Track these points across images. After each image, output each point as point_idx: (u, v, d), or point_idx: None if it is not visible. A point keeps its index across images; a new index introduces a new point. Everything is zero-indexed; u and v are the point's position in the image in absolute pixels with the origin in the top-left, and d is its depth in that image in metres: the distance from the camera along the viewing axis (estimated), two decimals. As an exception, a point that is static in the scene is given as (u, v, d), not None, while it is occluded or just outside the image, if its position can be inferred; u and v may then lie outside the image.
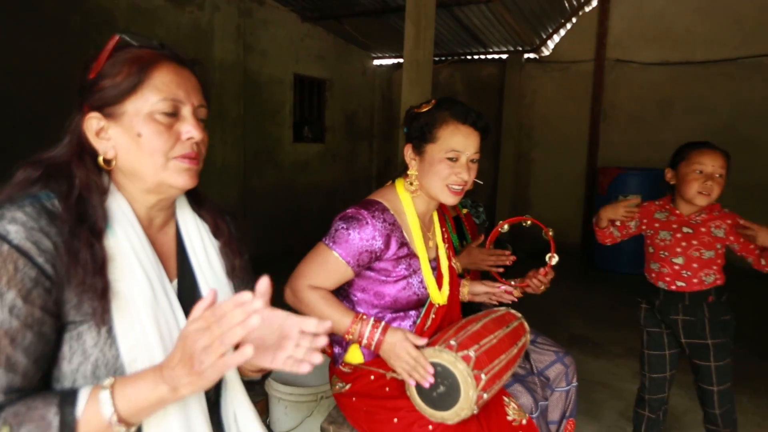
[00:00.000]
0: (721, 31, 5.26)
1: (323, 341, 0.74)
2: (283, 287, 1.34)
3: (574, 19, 5.90)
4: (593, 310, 4.08)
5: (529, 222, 1.67)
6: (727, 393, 1.84)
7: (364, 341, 1.28)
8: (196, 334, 0.67)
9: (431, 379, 1.17)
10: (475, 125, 1.36)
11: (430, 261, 1.42)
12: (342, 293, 1.42)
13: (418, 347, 1.23)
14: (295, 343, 0.73)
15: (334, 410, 1.46)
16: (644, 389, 1.98)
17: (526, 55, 6.25)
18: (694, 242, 1.81)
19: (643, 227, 1.92)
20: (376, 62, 7.18)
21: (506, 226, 1.73)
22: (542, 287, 1.62)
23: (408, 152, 1.40)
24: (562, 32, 5.99)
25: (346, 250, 1.30)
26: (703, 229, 1.81)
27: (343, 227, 1.31)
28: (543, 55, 6.21)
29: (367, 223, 1.30)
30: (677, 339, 1.91)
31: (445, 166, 1.35)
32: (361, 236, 1.30)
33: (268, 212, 5.43)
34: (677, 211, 1.86)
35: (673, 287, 1.84)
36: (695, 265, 1.81)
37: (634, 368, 3.00)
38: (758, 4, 5.09)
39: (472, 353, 1.17)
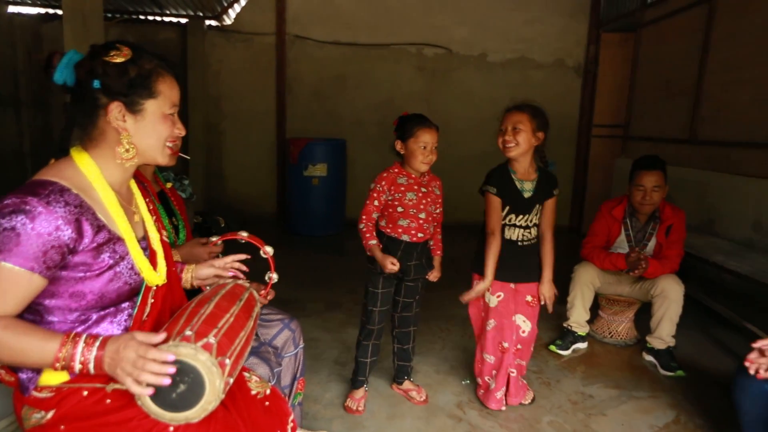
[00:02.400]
0: (378, 19, 6.12)
1: None
2: None
3: (253, -10, 5.91)
4: (295, 273, 4.33)
5: (245, 239, 1.61)
6: (419, 300, 2.37)
7: (77, 366, 1.02)
8: None
9: (172, 370, 0.99)
10: (176, 76, 1.23)
11: (139, 241, 1.21)
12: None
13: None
14: None
15: (30, 450, 1.13)
16: (373, 322, 2.29)
17: (207, 22, 5.96)
18: (429, 199, 2.22)
19: (392, 192, 2.20)
20: (13, 9, 5.70)
21: (220, 243, 1.66)
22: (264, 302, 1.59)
23: (117, 112, 1.14)
24: (243, 2, 5.93)
25: (22, 255, 1.00)
26: (430, 188, 2.24)
27: (5, 227, 1.00)
28: (225, 23, 6.04)
29: (39, 212, 1.01)
30: (400, 279, 2.28)
31: (169, 124, 1.20)
32: (38, 231, 1.01)
33: None
34: (413, 176, 2.21)
35: (415, 239, 2.21)
36: (430, 218, 2.23)
37: (339, 319, 3.34)
38: (401, -1, 6.11)
39: (212, 339, 1.06)
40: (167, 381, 0.99)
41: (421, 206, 2.19)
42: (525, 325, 2.31)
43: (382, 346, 2.43)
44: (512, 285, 2.28)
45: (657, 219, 2.92)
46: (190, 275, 1.48)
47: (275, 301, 3.67)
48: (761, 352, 1.64)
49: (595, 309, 3.18)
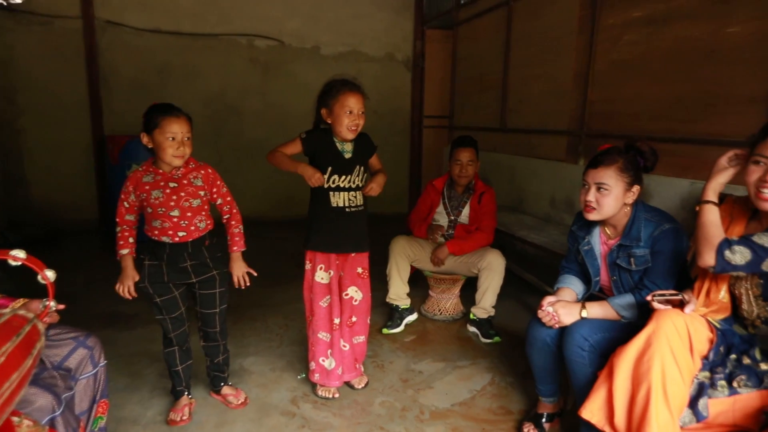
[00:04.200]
0: (202, 7, 5.75)
1: None
2: None
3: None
4: (122, 284, 3.91)
5: (20, 261, 1.35)
6: (223, 312, 2.22)
7: None
8: None
9: None
10: None
11: None
12: None
13: None
14: None
15: None
16: (167, 331, 2.15)
17: (-11, 0, 5.07)
18: (182, 194, 2.04)
19: (137, 193, 2.03)
20: None
21: None
22: None
23: None
24: (36, -21, 5.16)
25: None
26: (185, 181, 2.05)
27: None
28: (14, 2, 5.19)
29: None
30: (185, 281, 2.11)
31: None
32: None
33: None
34: (160, 171, 2.02)
35: (177, 239, 2.05)
36: (189, 214, 2.05)
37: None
38: (227, -13, 5.83)
39: None
40: None
41: (171, 203, 2.01)
42: (357, 294, 2.36)
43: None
44: (342, 257, 2.31)
45: (471, 190, 3.30)
46: None
47: (91, 317, 3.28)
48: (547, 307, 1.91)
49: (425, 290, 3.40)
